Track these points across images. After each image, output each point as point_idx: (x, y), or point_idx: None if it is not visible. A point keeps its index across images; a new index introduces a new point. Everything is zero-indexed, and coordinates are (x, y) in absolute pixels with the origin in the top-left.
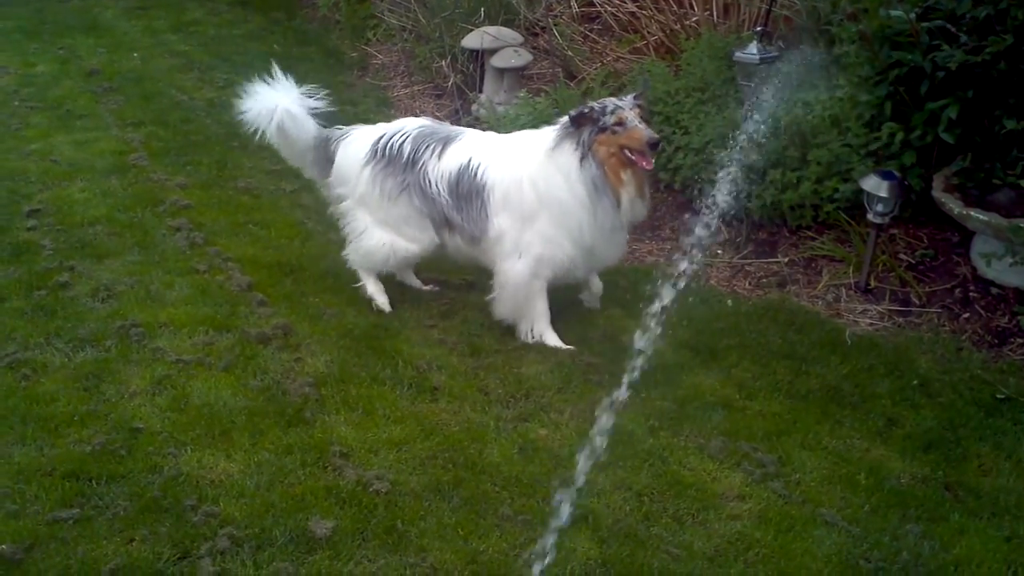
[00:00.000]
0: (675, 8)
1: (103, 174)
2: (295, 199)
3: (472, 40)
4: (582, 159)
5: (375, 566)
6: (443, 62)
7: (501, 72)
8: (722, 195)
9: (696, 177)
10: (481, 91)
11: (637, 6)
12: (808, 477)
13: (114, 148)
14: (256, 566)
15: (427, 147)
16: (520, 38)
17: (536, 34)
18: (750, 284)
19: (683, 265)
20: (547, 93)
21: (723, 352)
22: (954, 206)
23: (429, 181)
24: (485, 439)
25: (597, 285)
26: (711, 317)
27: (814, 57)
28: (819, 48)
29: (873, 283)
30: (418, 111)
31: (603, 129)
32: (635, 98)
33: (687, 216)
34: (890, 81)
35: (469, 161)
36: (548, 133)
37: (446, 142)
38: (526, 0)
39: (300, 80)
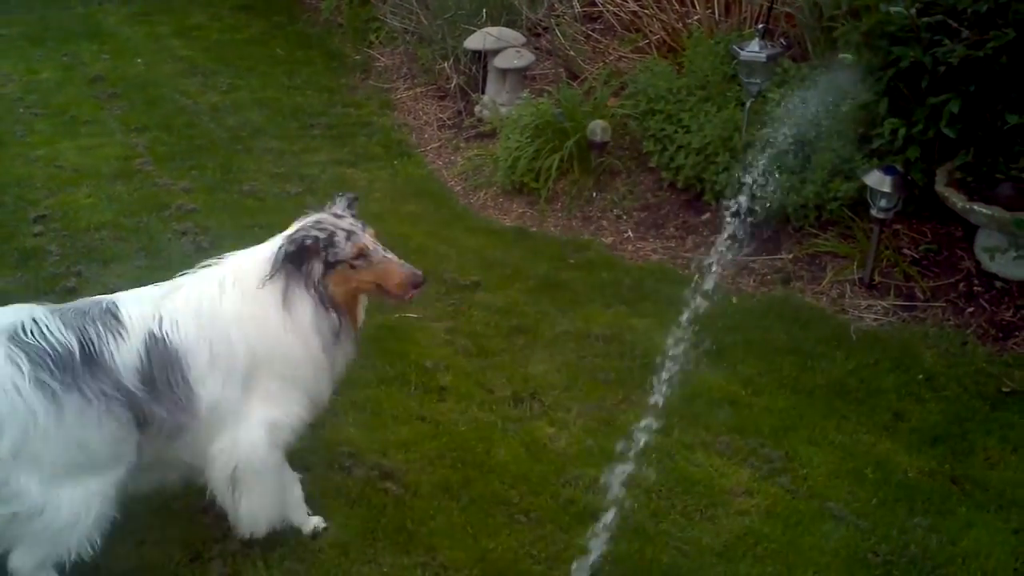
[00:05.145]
0: (677, 7)
1: (108, 179)
2: (300, 201)
3: (474, 41)
4: (322, 308)
5: (385, 566)
6: (446, 64)
7: (504, 73)
8: (735, 199)
9: (698, 176)
10: (484, 92)
11: (639, 5)
12: (815, 472)
13: (119, 153)
14: (267, 567)
15: (97, 327)
16: (522, 39)
17: (538, 34)
18: (754, 281)
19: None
20: (550, 93)
21: (729, 349)
22: (957, 200)
23: (119, 372)
24: (493, 438)
25: None
26: (716, 314)
27: (816, 56)
28: (820, 45)
29: (877, 278)
30: (421, 113)
31: (335, 263)
32: (350, 206)
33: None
34: (890, 77)
35: (160, 323)
36: (258, 273)
37: (115, 310)
38: (528, 1)
39: (304, 83)
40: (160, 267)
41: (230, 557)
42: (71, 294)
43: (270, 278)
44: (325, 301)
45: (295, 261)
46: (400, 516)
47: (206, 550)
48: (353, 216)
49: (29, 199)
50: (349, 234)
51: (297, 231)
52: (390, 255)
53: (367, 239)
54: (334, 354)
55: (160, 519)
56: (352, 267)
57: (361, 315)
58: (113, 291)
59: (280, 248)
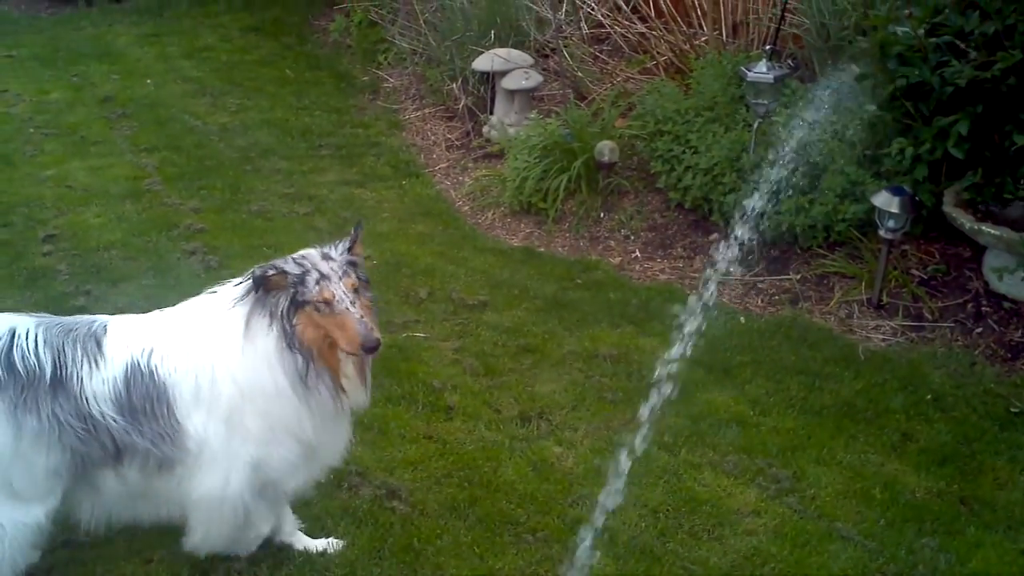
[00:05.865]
0: (684, 28)
1: (118, 199)
2: (308, 222)
3: (482, 62)
4: (286, 345)
5: None
6: (454, 85)
7: (512, 94)
8: (742, 220)
9: (705, 197)
10: (492, 113)
11: (647, 27)
12: (823, 492)
13: (128, 173)
14: None
15: (75, 350)
16: (530, 60)
17: (546, 56)
18: (762, 301)
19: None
20: (558, 114)
21: (737, 369)
22: (965, 221)
23: (87, 400)
24: (500, 458)
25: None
26: (724, 334)
27: (824, 76)
28: (827, 66)
29: (885, 299)
30: (430, 133)
31: (302, 303)
32: (350, 251)
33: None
34: (892, 94)
35: (142, 353)
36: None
37: (98, 337)
38: (536, 22)
39: (313, 104)
40: (169, 286)
41: (236, 575)
42: (80, 313)
43: (239, 301)
44: (290, 339)
45: (261, 288)
46: (407, 535)
47: (213, 568)
48: (351, 264)
49: (39, 219)
50: (321, 277)
51: (274, 261)
52: (354, 310)
53: (338, 288)
54: (308, 400)
55: (167, 537)
56: (317, 311)
57: (350, 369)
58: (121, 311)
59: (252, 273)
